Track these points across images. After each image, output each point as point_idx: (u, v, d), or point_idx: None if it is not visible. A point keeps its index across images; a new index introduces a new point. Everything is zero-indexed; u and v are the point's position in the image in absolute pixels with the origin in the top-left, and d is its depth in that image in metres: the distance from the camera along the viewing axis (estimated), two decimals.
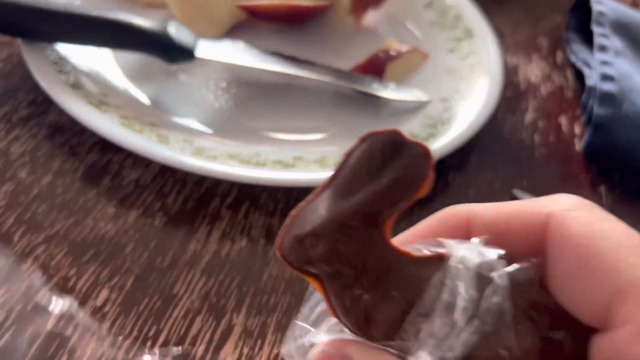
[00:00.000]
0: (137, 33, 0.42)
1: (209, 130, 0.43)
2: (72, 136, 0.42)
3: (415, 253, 0.20)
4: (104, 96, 0.42)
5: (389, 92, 0.48)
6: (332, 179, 0.20)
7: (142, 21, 0.43)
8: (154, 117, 0.42)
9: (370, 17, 0.56)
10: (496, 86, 0.48)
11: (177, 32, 0.43)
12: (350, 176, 0.20)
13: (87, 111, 0.39)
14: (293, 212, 0.20)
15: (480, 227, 0.21)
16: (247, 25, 0.52)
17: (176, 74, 0.47)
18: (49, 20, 0.41)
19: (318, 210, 0.20)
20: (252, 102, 0.46)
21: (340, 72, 0.48)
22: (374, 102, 0.48)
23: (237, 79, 0.48)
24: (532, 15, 0.64)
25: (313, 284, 0.20)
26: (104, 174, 0.40)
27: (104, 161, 0.41)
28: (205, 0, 0.49)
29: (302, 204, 0.20)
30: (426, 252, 0.20)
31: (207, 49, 0.45)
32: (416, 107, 0.48)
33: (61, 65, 0.42)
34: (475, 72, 0.50)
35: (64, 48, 0.44)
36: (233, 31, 0.51)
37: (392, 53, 0.50)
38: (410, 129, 0.45)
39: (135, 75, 0.46)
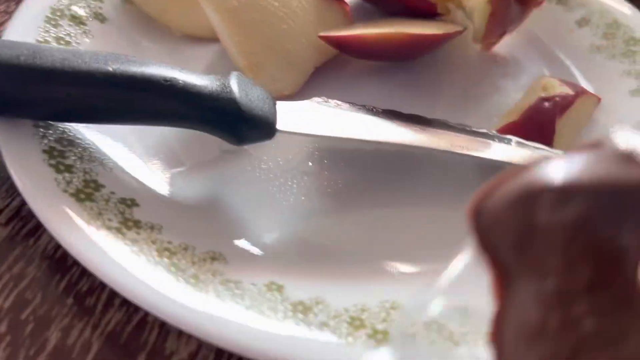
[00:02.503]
0: (182, 97, 0.26)
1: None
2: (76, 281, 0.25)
3: None
4: (131, 206, 0.25)
5: None
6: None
7: (189, 76, 0.26)
8: (211, 239, 0.25)
9: (504, 44, 0.39)
10: None
11: (245, 92, 0.27)
12: None
13: (102, 241, 0.23)
14: (512, 170, 0.13)
15: None
16: (334, 66, 0.35)
17: (233, 152, 0.30)
18: (36, 82, 0.25)
19: (570, 169, 0.13)
20: (358, 198, 0.30)
21: (493, 138, 0.31)
22: None
23: (330, 154, 0.31)
24: None
25: (491, 273, 0.13)
26: (138, 350, 0.24)
27: (131, 326, 0.24)
28: (276, 32, 0.32)
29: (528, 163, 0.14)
30: None
31: (291, 117, 0.28)
32: None
33: (55, 154, 0.26)
34: None
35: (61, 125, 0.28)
36: (314, 76, 0.35)
37: (559, 100, 0.33)
38: None
39: (164, 158, 0.29)
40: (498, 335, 0.13)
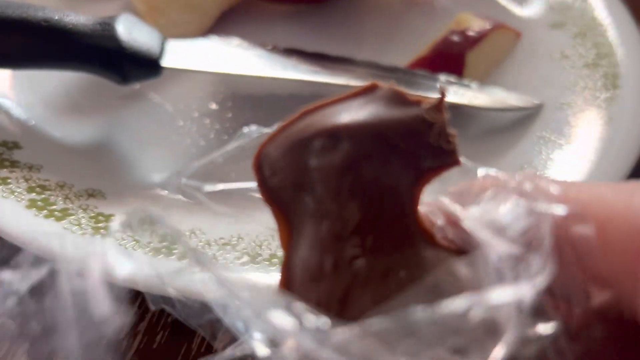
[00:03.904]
0: (60, 37, 0.25)
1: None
2: None
3: (437, 235, 0.13)
4: (12, 148, 0.25)
5: (476, 97, 0.30)
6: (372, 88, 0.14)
7: (70, 17, 0.26)
8: (94, 179, 0.25)
9: None
10: None
11: (128, 30, 0.26)
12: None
13: None
14: (293, 115, 0.14)
15: None
16: (243, 10, 0.35)
17: (132, 97, 0.30)
18: None
19: (342, 112, 0.13)
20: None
21: (396, 72, 0.30)
22: (454, 116, 0.30)
23: (235, 96, 0.31)
24: None
25: (277, 222, 0.13)
26: None
27: None
28: None
29: (309, 107, 0.14)
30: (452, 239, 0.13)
31: (181, 54, 0.28)
32: (521, 119, 0.30)
33: None
34: (602, 57, 0.32)
35: None
36: (222, 21, 0.34)
37: (471, 34, 0.33)
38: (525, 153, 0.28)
39: (62, 103, 0.29)
40: (287, 282, 0.13)
